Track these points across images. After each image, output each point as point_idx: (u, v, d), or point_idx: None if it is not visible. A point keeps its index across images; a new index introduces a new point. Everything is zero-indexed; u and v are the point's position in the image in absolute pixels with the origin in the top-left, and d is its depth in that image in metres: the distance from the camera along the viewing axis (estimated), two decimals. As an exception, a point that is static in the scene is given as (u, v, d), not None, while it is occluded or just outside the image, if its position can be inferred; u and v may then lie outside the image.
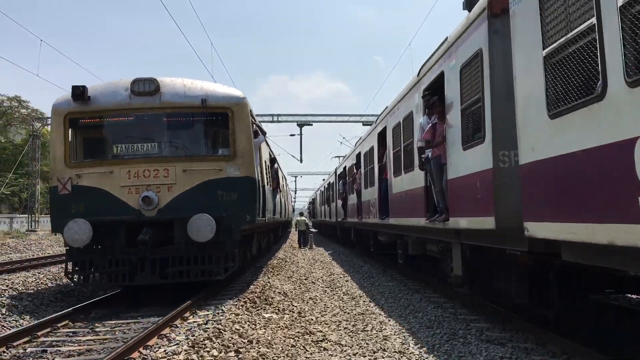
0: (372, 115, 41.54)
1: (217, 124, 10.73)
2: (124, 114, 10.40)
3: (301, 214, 30.91)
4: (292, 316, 8.53)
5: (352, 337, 7.20)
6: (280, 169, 22.59)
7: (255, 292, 9.94)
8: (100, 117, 10.54)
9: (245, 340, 6.10)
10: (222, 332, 6.09)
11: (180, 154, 10.57)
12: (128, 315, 8.64)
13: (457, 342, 6.09)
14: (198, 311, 8.56)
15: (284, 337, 6.94)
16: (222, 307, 8.05)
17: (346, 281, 13.17)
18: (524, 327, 6.85)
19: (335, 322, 8.41)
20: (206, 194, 10.02)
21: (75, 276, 9.86)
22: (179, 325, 7.31)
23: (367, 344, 6.73)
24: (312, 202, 59.90)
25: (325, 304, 10.10)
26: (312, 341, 6.88)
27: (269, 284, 11.79)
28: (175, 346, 5.98)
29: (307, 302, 10.27)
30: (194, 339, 5.93)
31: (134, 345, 6.04)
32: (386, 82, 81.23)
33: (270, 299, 9.64)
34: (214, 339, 5.80)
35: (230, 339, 5.99)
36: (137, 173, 9.98)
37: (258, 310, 8.38)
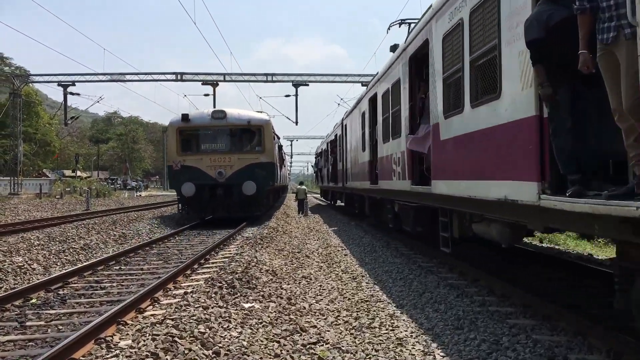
0: (371, 75, 39.38)
1: (255, 133, 19.35)
2: (208, 128, 19.07)
3: (301, 183, 29.42)
4: (280, 304, 6.84)
5: (355, 337, 5.53)
6: (282, 147, 31.20)
7: (237, 272, 8.23)
8: (195, 130, 19.11)
9: (210, 352, 4.38)
10: (177, 341, 4.37)
11: (236, 149, 18.99)
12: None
13: (506, 357, 4.39)
14: (161, 298, 6.88)
15: (266, 339, 5.25)
16: (189, 297, 6.31)
17: (345, 255, 11.50)
18: (572, 323, 5.22)
19: (334, 311, 6.74)
20: (250, 171, 18.48)
21: (183, 211, 19.44)
22: (129, 323, 5.60)
23: (376, 350, 5.06)
24: (325, 154, 30.77)
25: (320, 285, 8.45)
26: (302, 345, 5.20)
27: (255, 260, 10.10)
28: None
29: (299, 283, 8.61)
30: (137, 351, 4.21)
31: (56, 357, 4.35)
32: (387, 38, 77.27)
33: (254, 281, 7.94)
34: (161, 354, 4.09)
35: (186, 351, 4.28)
36: (215, 159, 18.52)
37: (236, 298, 6.67)
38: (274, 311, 6.46)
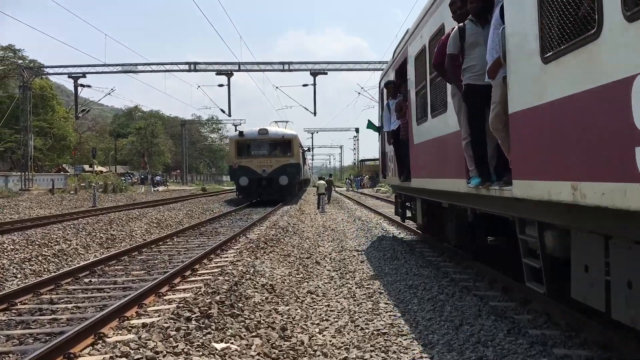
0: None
1: (287, 144, 29.01)
2: (256, 140, 28.78)
3: (321, 178, 29.04)
4: (269, 339, 5.14)
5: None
6: (304, 152, 42.26)
7: (221, 291, 6.54)
8: (247, 141, 28.81)
9: None
10: None
11: (274, 154, 28.45)
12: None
13: None
14: (110, 334, 5.22)
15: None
16: (131, 342, 4.58)
17: (361, 262, 9.76)
18: None
19: (340, 349, 5.03)
20: (283, 169, 27.81)
21: (239, 196, 29.03)
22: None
23: None
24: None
25: (328, 305, 6.76)
26: (287, 420, 3.48)
27: (252, 269, 8.42)
28: None
29: (302, 302, 6.91)
30: None
31: None
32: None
33: (241, 303, 6.24)
34: None
35: None
36: (260, 161, 27.83)
37: (208, 334, 4.96)
38: (258, 353, 4.76)
